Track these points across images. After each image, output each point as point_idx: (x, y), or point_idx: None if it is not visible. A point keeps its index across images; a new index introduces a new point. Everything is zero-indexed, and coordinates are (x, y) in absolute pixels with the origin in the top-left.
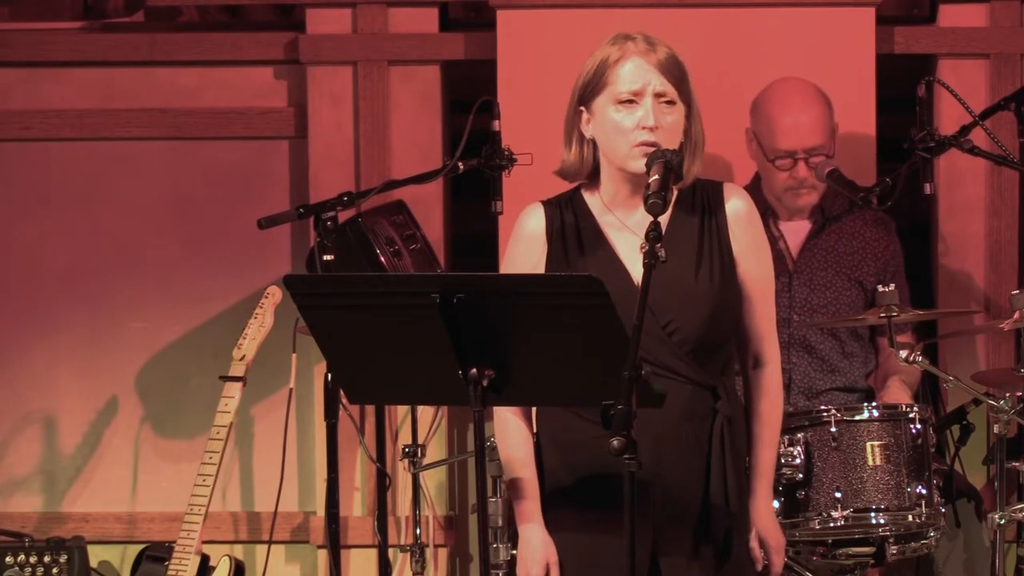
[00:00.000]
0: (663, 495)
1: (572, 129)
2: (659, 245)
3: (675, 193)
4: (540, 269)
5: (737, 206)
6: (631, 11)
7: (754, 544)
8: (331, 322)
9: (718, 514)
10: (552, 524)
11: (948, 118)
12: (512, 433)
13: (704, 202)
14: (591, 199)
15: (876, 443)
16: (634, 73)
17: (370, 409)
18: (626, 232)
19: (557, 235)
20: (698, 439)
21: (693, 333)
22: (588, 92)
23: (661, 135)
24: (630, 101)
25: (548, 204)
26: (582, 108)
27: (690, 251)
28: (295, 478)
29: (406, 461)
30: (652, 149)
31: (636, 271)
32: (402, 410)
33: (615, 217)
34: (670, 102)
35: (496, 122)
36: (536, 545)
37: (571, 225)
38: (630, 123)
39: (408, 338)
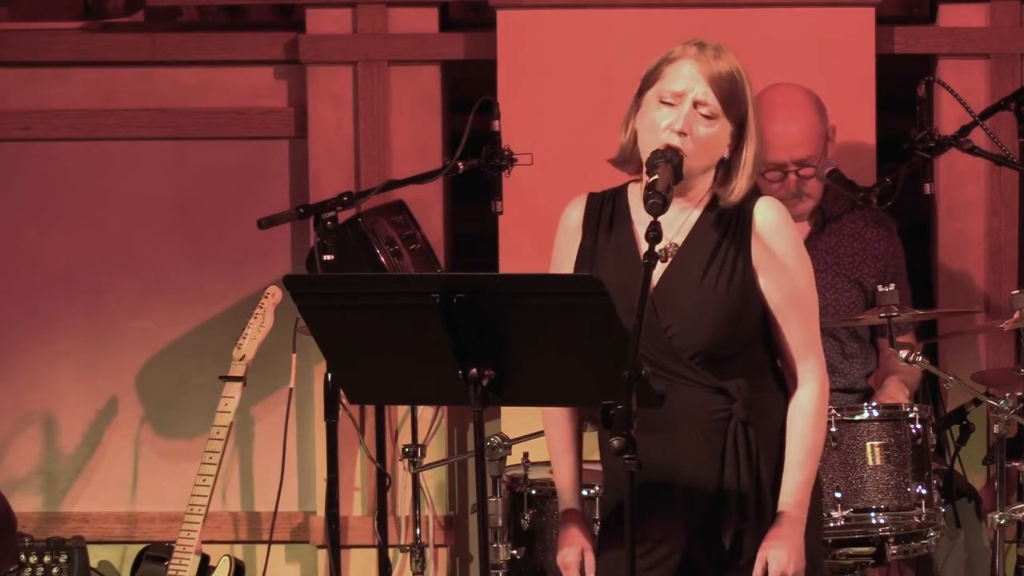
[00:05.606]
0: (677, 499)
1: (629, 117)
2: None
3: (708, 199)
4: (573, 259)
5: (766, 219)
6: (631, 11)
7: (757, 569)
8: (331, 322)
9: (730, 519)
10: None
11: (948, 118)
12: (551, 426)
13: (735, 212)
14: (633, 194)
15: (876, 443)
16: (682, 75)
17: (370, 409)
18: None
19: (592, 227)
20: (709, 442)
21: (693, 339)
22: (645, 83)
23: (689, 143)
24: (671, 103)
25: (593, 196)
26: (640, 99)
27: (704, 257)
28: (295, 478)
29: (406, 461)
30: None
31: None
32: (402, 410)
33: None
34: (709, 116)
35: (496, 122)
36: (572, 532)
37: (607, 217)
38: (664, 123)
39: (408, 338)
